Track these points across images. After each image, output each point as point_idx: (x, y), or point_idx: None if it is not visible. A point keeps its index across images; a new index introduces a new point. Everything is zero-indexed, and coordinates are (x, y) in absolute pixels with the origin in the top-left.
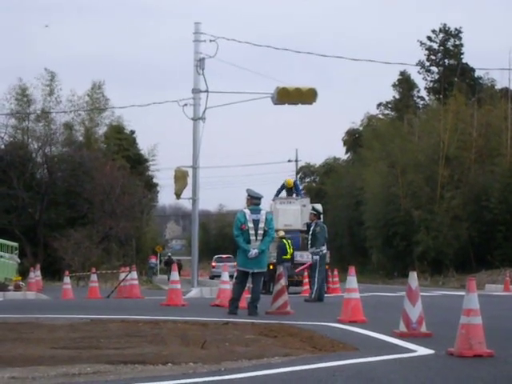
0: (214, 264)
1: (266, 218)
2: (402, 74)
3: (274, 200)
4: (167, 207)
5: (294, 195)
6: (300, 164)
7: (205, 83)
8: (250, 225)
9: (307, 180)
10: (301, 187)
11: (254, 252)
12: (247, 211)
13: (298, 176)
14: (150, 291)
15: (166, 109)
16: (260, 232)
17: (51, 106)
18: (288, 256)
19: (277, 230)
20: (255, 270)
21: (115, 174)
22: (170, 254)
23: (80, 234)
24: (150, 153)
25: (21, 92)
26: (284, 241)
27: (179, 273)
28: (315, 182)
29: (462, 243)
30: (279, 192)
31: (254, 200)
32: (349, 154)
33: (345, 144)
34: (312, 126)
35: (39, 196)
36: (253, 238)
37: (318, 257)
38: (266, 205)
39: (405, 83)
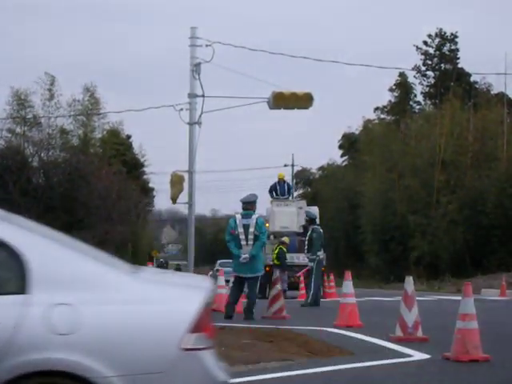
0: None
1: (257, 223)
2: (401, 75)
3: (271, 201)
4: (163, 212)
5: (289, 196)
6: (296, 169)
7: (201, 88)
8: (240, 230)
9: (303, 184)
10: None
11: (244, 257)
12: (238, 216)
13: (294, 182)
14: None
15: (162, 113)
16: (250, 237)
17: (50, 110)
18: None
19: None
20: (248, 275)
21: (111, 179)
22: (162, 260)
23: (76, 239)
24: (139, 152)
25: (20, 97)
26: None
27: None
28: (310, 187)
29: (457, 248)
30: (273, 189)
31: (243, 205)
32: (345, 158)
33: (341, 148)
34: (308, 131)
35: (35, 201)
36: (243, 242)
37: (313, 263)
38: (262, 208)
39: (402, 87)
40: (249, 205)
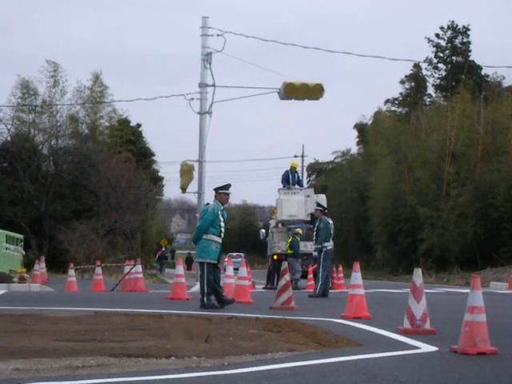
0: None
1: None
2: (416, 66)
3: (278, 190)
4: (173, 201)
5: (297, 186)
6: (307, 160)
7: (212, 77)
8: None
9: (314, 176)
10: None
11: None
12: None
13: (306, 174)
14: (154, 285)
15: (172, 103)
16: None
17: (56, 97)
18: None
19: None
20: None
21: (121, 167)
22: (163, 249)
23: (85, 227)
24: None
25: (25, 84)
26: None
27: (190, 267)
28: (319, 179)
29: (467, 241)
30: (285, 179)
31: None
32: (359, 146)
33: (357, 132)
34: (319, 122)
35: (45, 188)
36: None
37: (316, 253)
38: (273, 198)
39: (415, 78)
40: (215, 193)
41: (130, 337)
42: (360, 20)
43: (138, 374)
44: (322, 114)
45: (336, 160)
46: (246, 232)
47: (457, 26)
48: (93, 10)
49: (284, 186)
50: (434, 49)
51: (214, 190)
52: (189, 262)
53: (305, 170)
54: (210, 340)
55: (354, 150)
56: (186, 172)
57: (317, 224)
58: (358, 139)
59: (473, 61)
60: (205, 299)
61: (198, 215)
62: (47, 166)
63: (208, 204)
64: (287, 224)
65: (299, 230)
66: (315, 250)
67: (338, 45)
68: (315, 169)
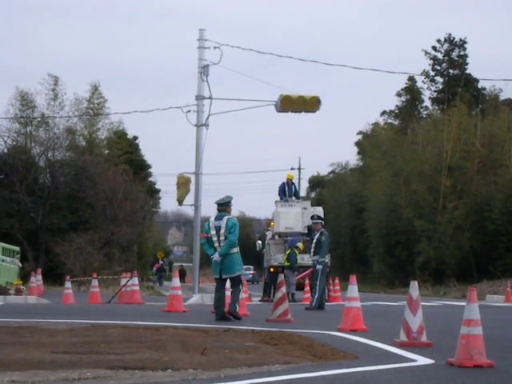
0: None
1: (227, 224)
2: (411, 79)
3: (275, 202)
4: (169, 213)
5: (294, 198)
6: (304, 172)
7: (209, 90)
8: (213, 232)
9: (316, 189)
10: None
11: (215, 257)
12: (212, 219)
13: (308, 187)
14: (151, 297)
15: (169, 115)
16: (221, 238)
17: (55, 110)
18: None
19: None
20: (223, 276)
21: (118, 180)
22: (162, 262)
23: (82, 239)
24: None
25: (24, 97)
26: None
27: (183, 279)
28: (315, 191)
29: (463, 253)
30: (281, 191)
31: (217, 207)
32: (358, 157)
33: (357, 143)
34: (316, 134)
35: (42, 200)
36: (216, 244)
37: (320, 266)
38: (270, 210)
39: (410, 91)
40: (222, 206)
41: (126, 349)
42: (357, 32)
43: None
44: (319, 126)
45: (335, 171)
46: (243, 244)
47: (454, 38)
48: (93, 9)
49: (281, 199)
50: (431, 61)
51: (225, 204)
52: (182, 275)
53: (302, 182)
54: (207, 352)
55: (353, 161)
56: (183, 184)
57: (317, 237)
58: (357, 149)
59: (469, 74)
60: (236, 307)
61: (203, 234)
62: (44, 178)
63: (231, 218)
64: (284, 236)
65: (301, 246)
66: (319, 263)
67: (335, 57)
68: (316, 182)
